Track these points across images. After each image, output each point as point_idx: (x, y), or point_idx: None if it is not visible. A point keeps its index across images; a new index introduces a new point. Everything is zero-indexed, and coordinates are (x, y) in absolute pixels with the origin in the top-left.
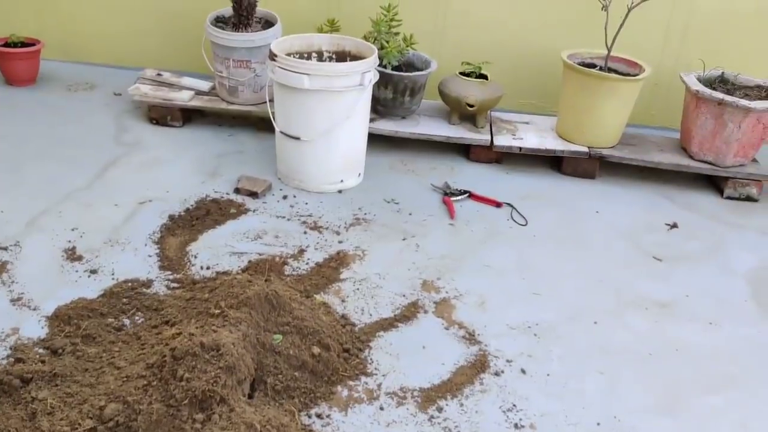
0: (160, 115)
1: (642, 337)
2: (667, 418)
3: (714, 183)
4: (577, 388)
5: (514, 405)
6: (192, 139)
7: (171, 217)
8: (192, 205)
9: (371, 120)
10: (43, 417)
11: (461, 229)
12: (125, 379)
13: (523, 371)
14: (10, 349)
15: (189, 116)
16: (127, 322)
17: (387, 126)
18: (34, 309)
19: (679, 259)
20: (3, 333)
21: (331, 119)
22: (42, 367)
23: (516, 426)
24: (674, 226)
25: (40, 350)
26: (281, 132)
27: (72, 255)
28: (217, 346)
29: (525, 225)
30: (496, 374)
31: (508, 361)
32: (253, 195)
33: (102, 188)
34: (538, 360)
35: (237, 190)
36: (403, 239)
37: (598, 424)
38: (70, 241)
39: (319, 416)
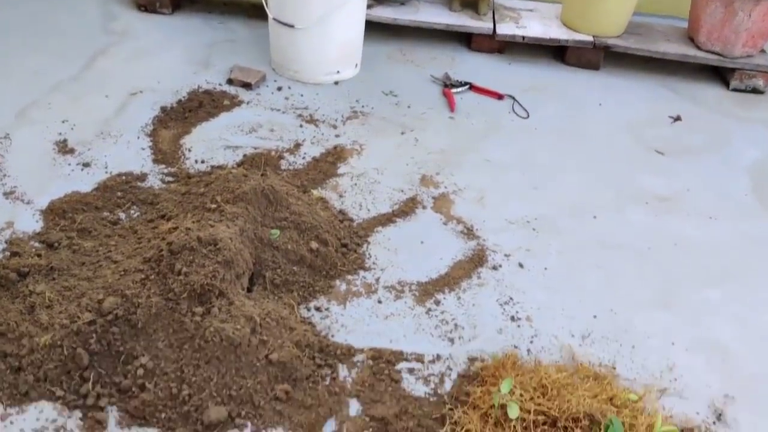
0: (149, 2)
1: (641, 232)
2: (663, 311)
3: (720, 74)
4: (575, 281)
5: (511, 298)
6: (182, 27)
7: (163, 109)
8: (184, 97)
9: (369, 6)
10: (41, 310)
11: (461, 122)
12: (123, 273)
13: (520, 265)
14: (6, 243)
15: (178, 3)
16: (122, 216)
17: (385, 13)
18: (28, 203)
19: (681, 153)
20: None
21: (326, 5)
22: (38, 261)
23: (513, 319)
24: (678, 119)
25: (36, 244)
26: (274, 19)
27: (64, 148)
28: (215, 240)
29: (526, 118)
30: (494, 268)
31: (506, 255)
32: (247, 86)
33: (91, 79)
34: (536, 254)
35: (230, 81)
36: (402, 133)
37: (595, 317)
38: (61, 134)
39: (318, 309)
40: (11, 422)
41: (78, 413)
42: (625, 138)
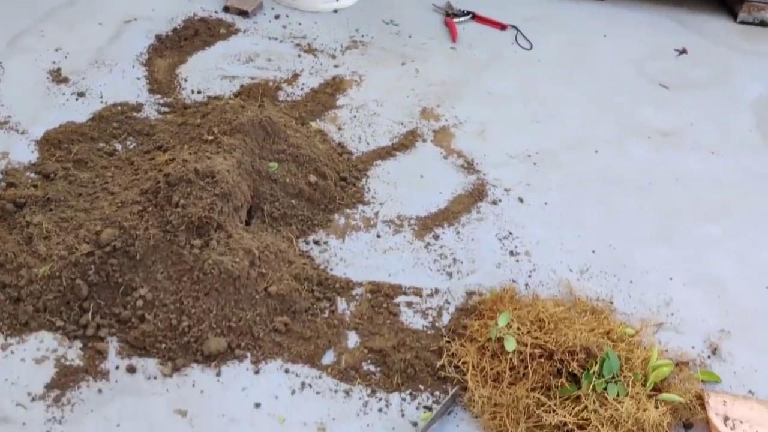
0: None
1: (643, 166)
2: (663, 246)
3: (728, 6)
4: (575, 216)
5: (510, 233)
6: None
7: (158, 38)
8: (179, 25)
9: None
10: (39, 241)
11: (463, 53)
12: (120, 204)
13: (520, 200)
14: (1, 173)
15: None
16: (118, 147)
17: None
18: (23, 133)
19: (685, 87)
20: None
21: None
22: (35, 192)
23: (511, 253)
24: (683, 51)
25: (32, 175)
26: None
27: (57, 77)
28: (212, 172)
29: (530, 49)
30: (494, 203)
31: (506, 189)
32: (244, 14)
33: (84, 5)
34: (536, 189)
35: (226, 9)
36: (402, 64)
37: (594, 251)
38: (54, 62)
39: (316, 243)
40: (12, 352)
41: (78, 343)
42: (629, 71)
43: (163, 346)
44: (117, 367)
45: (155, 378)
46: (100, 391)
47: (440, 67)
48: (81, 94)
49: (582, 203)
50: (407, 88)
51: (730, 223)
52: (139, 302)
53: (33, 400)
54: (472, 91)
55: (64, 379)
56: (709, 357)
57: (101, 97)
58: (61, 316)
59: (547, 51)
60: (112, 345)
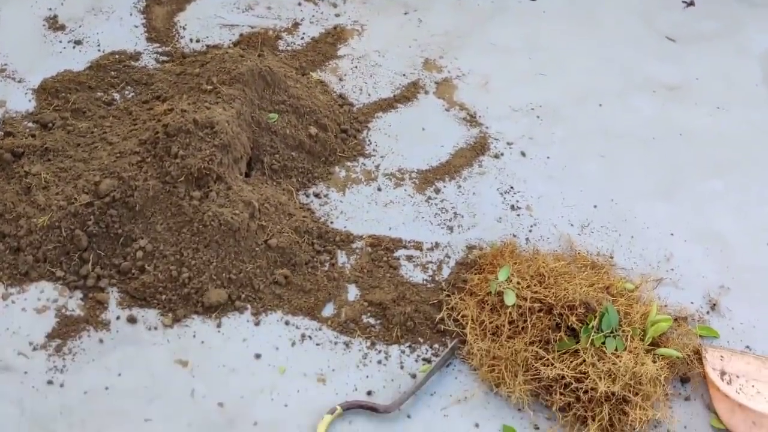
0: None
1: (647, 121)
2: (665, 201)
3: None
4: (577, 170)
5: (512, 187)
6: None
7: None
8: None
9: None
10: (38, 191)
11: (467, 2)
12: (118, 155)
13: (522, 154)
14: None
15: None
16: (116, 96)
17: None
18: (20, 81)
19: (692, 40)
20: None
21: None
22: (33, 141)
23: (513, 207)
24: (691, 3)
25: (30, 124)
26: None
27: (54, 24)
28: (211, 123)
29: (535, 0)
30: (496, 156)
31: (508, 143)
32: None
33: None
34: (538, 143)
35: None
36: (405, 13)
37: (595, 206)
38: (50, 9)
39: (317, 196)
40: (12, 302)
41: (79, 294)
42: (636, 23)
43: (164, 297)
44: (117, 318)
45: (156, 328)
46: (101, 340)
47: (443, 17)
48: (78, 42)
49: (584, 158)
50: (409, 38)
51: (733, 178)
52: (139, 253)
53: (34, 349)
54: (475, 42)
55: (65, 329)
56: (708, 312)
57: (98, 46)
58: (61, 266)
59: (552, 2)
60: (113, 295)
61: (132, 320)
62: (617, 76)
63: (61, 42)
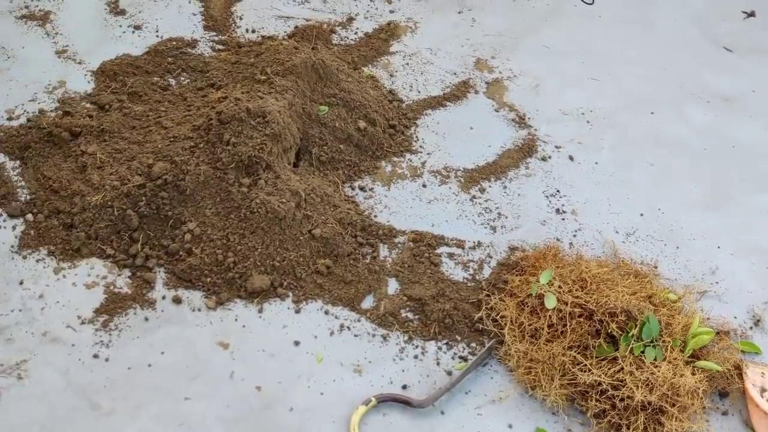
0: None
1: (699, 131)
2: (712, 213)
3: None
4: (625, 178)
5: (558, 191)
6: None
7: None
8: None
9: None
10: (93, 170)
11: (522, 3)
12: (172, 139)
13: (571, 158)
14: (58, 101)
15: None
16: (172, 81)
17: None
18: (80, 63)
19: (750, 51)
20: (50, 85)
21: None
22: (90, 122)
23: (558, 211)
24: (751, 14)
25: (88, 105)
26: None
27: (115, 8)
28: (263, 113)
29: (591, 4)
30: (543, 159)
31: (556, 146)
32: None
33: None
34: (587, 147)
35: None
36: (459, 12)
37: (642, 215)
38: None
39: (362, 189)
40: (64, 276)
41: (127, 272)
42: (693, 31)
43: (209, 279)
44: (163, 297)
45: (200, 310)
46: (146, 319)
47: (497, 18)
48: (137, 27)
49: (633, 165)
50: (462, 37)
51: None
52: (187, 236)
53: (82, 323)
54: (528, 44)
55: (113, 306)
56: (751, 328)
57: (157, 31)
58: (111, 244)
59: (609, 6)
60: (160, 276)
61: (177, 301)
62: (671, 84)
63: (121, 26)
